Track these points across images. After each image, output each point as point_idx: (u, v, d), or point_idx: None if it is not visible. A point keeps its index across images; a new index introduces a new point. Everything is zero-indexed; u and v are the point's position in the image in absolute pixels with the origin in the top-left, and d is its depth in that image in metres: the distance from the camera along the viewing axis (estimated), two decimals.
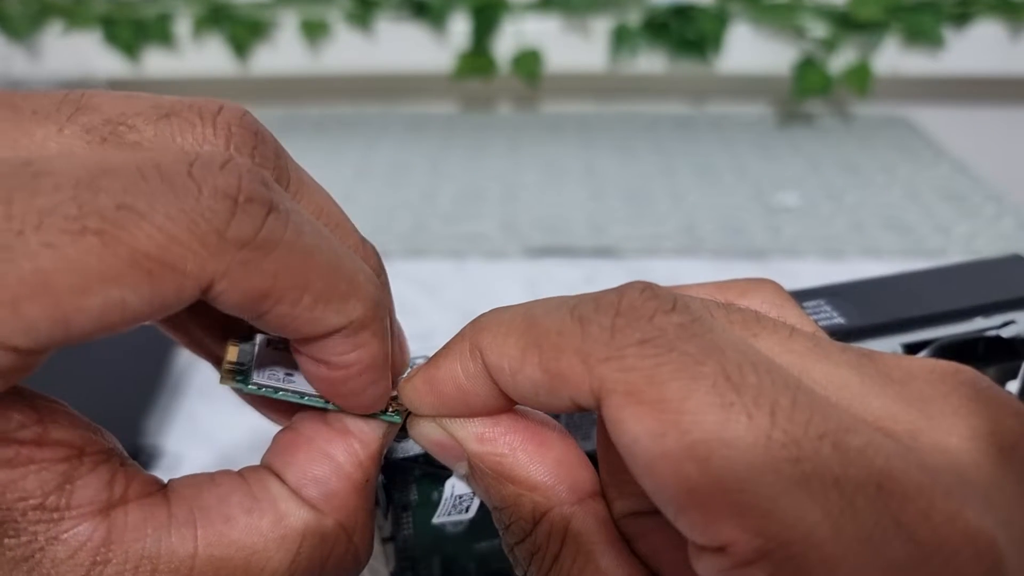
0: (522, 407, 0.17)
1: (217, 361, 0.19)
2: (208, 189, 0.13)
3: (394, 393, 0.17)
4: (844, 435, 0.12)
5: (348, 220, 0.18)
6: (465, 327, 0.16)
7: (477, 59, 0.76)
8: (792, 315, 0.17)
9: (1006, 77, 0.78)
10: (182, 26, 0.76)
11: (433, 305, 0.50)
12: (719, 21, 0.75)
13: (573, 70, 0.78)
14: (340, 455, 0.17)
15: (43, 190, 0.12)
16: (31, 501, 0.14)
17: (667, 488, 0.13)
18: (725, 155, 0.74)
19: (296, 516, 0.16)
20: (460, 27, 0.76)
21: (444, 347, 0.17)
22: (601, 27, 0.76)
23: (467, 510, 0.20)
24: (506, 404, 0.16)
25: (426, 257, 0.56)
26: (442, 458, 0.18)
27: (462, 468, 0.17)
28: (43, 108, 0.15)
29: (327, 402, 0.17)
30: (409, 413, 0.18)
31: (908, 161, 0.72)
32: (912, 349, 0.22)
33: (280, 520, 0.16)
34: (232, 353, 0.17)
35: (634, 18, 0.76)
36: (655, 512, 0.14)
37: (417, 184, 0.68)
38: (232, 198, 0.13)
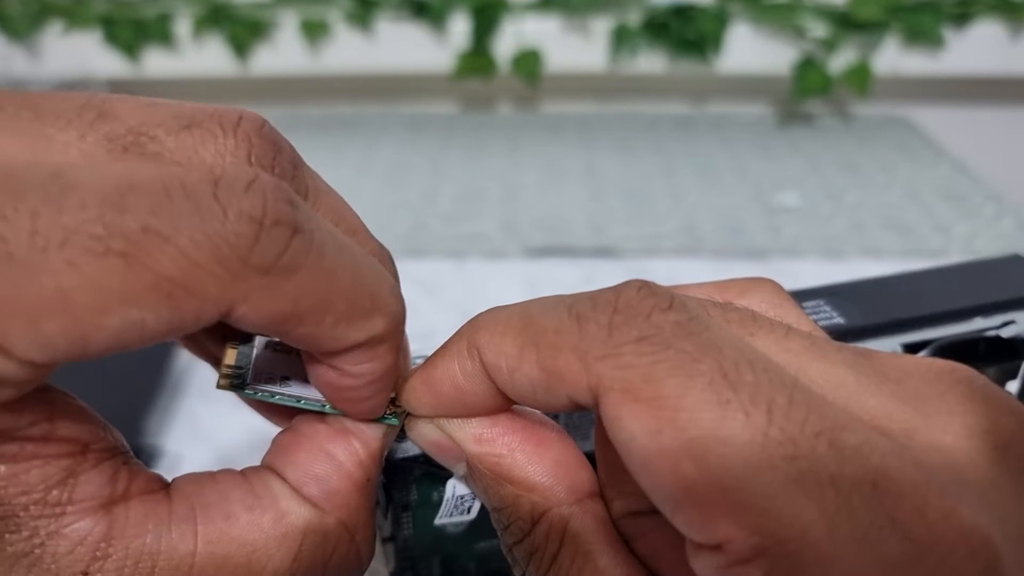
0: (520, 407, 0.17)
1: (216, 362, 0.19)
2: (233, 212, 0.13)
3: (392, 395, 0.17)
4: (840, 433, 0.12)
5: (364, 226, 0.18)
6: (462, 326, 0.16)
7: (477, 59, 0.76)
8: (791, 315, 0.17)
9: (1006, 77, 0.78)
10: (182, 26, 0.76)
11: (433, 305, 0.50)
12: (719, 21, 0.75)
13: (573, 70, 0.78)
14: (341, 454, 0.17)
15: (69, 207, 0.12)
16: (34, 495, 0.14)
17: (664, 486, 0.13)
18: (725, 155, 0.74)
19: (297, 514, 0.16)
20: (460, 27, 0.76)
21: (442, 347, 0.17)
22: (601, 27, 0.76)
23: (469, 511, 0.20)
24: (504, 404, 0.16)
25: (426, 257, 0.56)
26: (440, 459, 0.18)
27: (460, 469, 0.18)
28: (65, 112, 0.14)
29: (324, 405, 0.17)
30: (407, 414, 0.18)
31: (908, 161, 0.72)
32: (912, 349, 0.22)
33: (281, 518, 0.16)
34: (230, 356, 0.17)
35: (634, 18, 0.76)
36: (654, 512, 0.14)
37: (417, 184, 0.68)
38: (257, 221, 0.13)
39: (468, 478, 0.18)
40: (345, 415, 0.17)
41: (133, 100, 0.15)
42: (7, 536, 0.14)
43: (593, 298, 0.15)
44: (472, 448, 0.17)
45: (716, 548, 0.12)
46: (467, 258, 0.56)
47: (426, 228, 0.61)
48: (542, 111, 0.86)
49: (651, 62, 0.77)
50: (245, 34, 0.76)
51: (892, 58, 0.76)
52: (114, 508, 0.14)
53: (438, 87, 0.83)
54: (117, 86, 0.77)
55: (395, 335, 0.16)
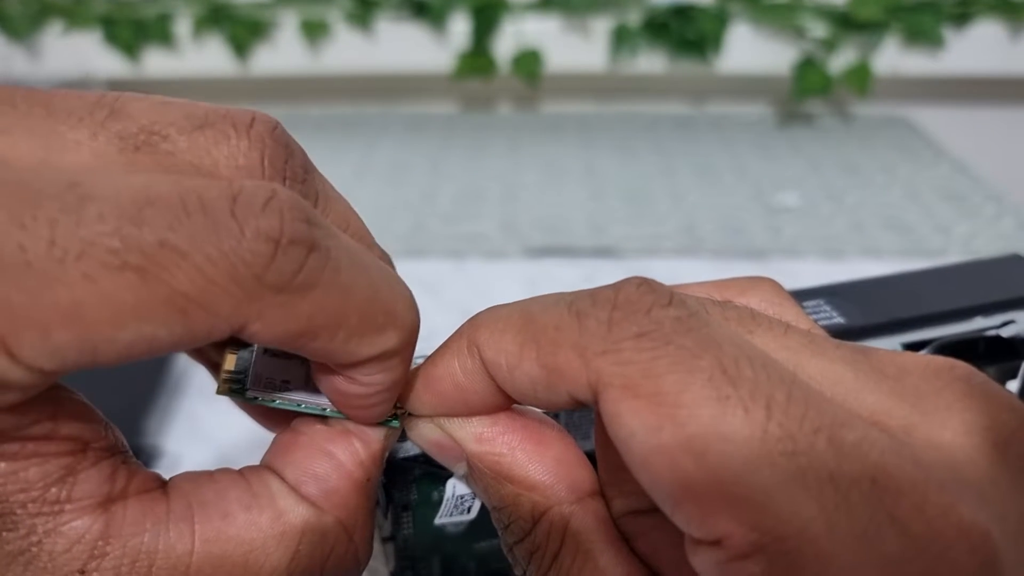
0: (520, 406, 0.17)
1: (214, 366, 0.19)
2: (251, 231, 0.13)
3: None
4: (839, 430, 0.12)
5: (369, 233, 0.18)
6: (462, 325, 0.16)
7: (477, 59, 0.76)
8: (790, 313, 0.17)
9: (1006, 77, 0.78)
10: (182, 26, 0.76)
11: (433, 305, 0.50)
12: (719, 21, 0.75)
13: (573, 70, 0.78)
14: (341, 453, 0.17)
15: (87, 218, 0.12)
16: (32, 493, 0.14)
17: (663, 482, 0.13)
18: (725, 155, 0.74)
19: (295, 513, 0.16)
20: (460, 27, 0.76)
21: (442, 346, 0.17)
22: (601, 27, 0.76)
23: (469, 511, 0.20)
24: (504, 402, 0.16)
25: (426, 257, 0.56)
26: (441, 459, 0.18)
27: (461, 468, 0.17)
28: (77, 110, 0.14)
29: (324, 409, 0.17)
30: (408, 414, 0.18)
31: (908, 161, 0.72)
32: (912, 349, 0.22)
33: (279, 517, 0.16)
34: (230, 361, 0.17)
35: (634, 18, 0.76)
36: (654, 510, 0.14)
37: (417, 184, 0.68)
38: (274, 241, 0.13)
39: (468, 477, 0.18)
40: (348, 419, 0.17)
41: (146, 99, 0.15)
42: (4, 534, 0.14)
43: (593, 295, 0.15)
44: (472, 447, 0.17)
45: (715, 544, 0.12)
46: (467, 258, 0.56)
47: (426, 228, 0.61)
48: (542, 111, 0.86)
49: (651, 62, 0.77)
50: (245, 34, 0.76)
51: (892, 58, 0.76)
52: (112, 506, 0.14)
53: (438, 87, 0.83)
54: (117, 86, 0.77)
55: (408, 347, 0.16)
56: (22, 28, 0.76)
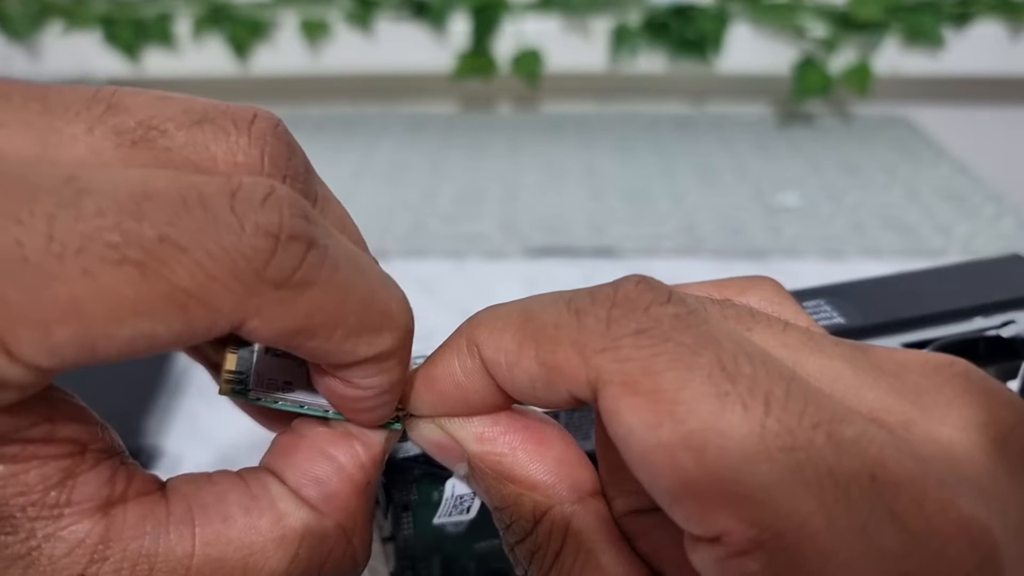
0: (521, 406, 0.17)
1: (213, 365, 0.19)
2: (250, 226, 0.13)
3: None
4: (838, 425, 0.12)
5: (362, 237, 0.18)
6: (462, 324, 0.16)
7: (477, 59, 0.76)
8: (789, 312, 0.17)
9: (1006, 77, 0.78)
10: (182, 26, 0.76)
11: (433, 305, 0.50)
12: (719, 21, 0.75)
13: (573, 70, 0.78)
14: (342, 456, 0.16)
15: (86, 214, 0.12)
16: (32, 496, 0.13)
17: (662, 479, 0.13)
18: (725, 155, 0.74)
19: (295, 516, 0.16)
20: (460, 27, 0.76)
21: (441, 345, 0.17)
22: (601, 27, 0.76)
23: (468, 511, 0.20)
24: (504, 401, 0.16)
25: (426, 257, 0.56)
26: (442, 459, 0.18)
27: (462, 469, 0.17)
28: (73, 105, 0.14)
29: (326, 411, 0.17)
30: (409, 414, 0.17)
31: (908, 161, 0.72)
32: (912, 348, 0.22)
33: (279, 520, 0.16)
34: (231, 361, 0.16)
35: (634, 18, 0.76)
36: (655, 509, 0.14)
37: (417, 184, 0.68)
38: (274, 236, 0.13)
39: (469, 477, 0.17)
40: (349, 421, 0.17)
41: (143, 93, 0.15)
42: (3, 538, 0.13)
43: (592, 292, 0.15)
44: (473, 447, 0.17)
45: (714, 540, 0.12)
46: (467, 258, 0.56)
47: (426, 228, 0.61)
48: (542, 111, 0.86)
49: (651, 62, 0.77)
50: (245, 34, 0.76)
51: (892, 58, 0.76)
52: (112, 510, 0.14)
53: (438, 87, 0.83)
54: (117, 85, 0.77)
55: (404, 349, 0.16)
56: (22, 28, 0.76)
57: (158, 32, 0.76)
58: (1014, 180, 0.73)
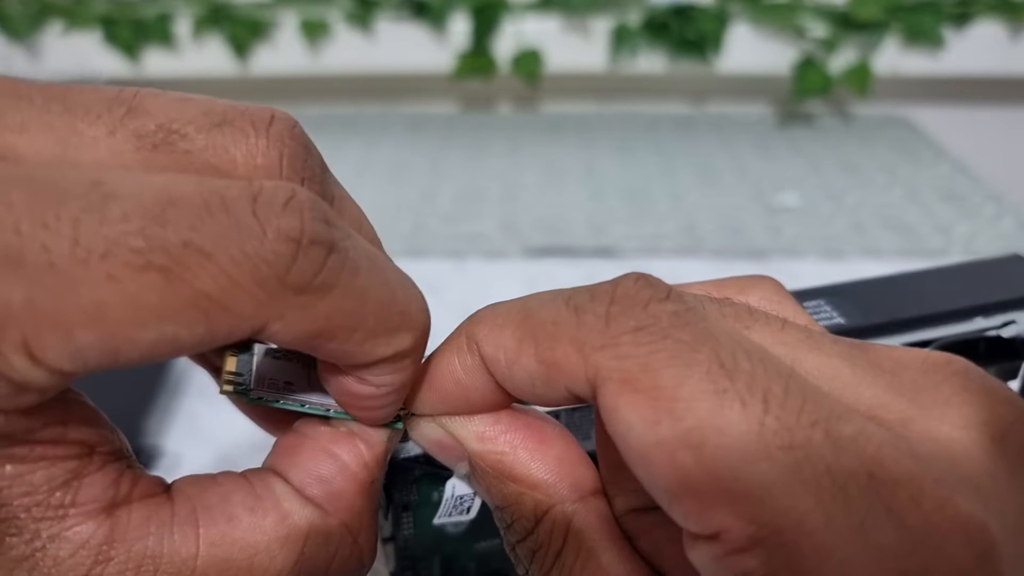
0: (521, 405, 0.17)
1: (213, 368, 0.19)
2: (272, 231, 0.13)
3: None
4: (836, 423, 0.12)
5: (378, 236, 0.18)
6: (462, 322, 0.17)
7: (477, 59, 0.76)
8: (789, 311, 0.17)
9: (1006, 77, 0.78)
10: (182, 26, 0.76)
11: (433, 305, 0.49)
12: (719, 21, 0.75)
13: (573, 70, 0.78)
14: (345, 455, 0.16)
15: (111, 218, 0.12)
16: (37, 497, 0.13)
17: (661, 476, 0.13)
18: (725, 155, 0.74)
19: (300, 515, 0.16)
20: (460, 27, 0.76)
21: (442, 343, 0.17)
22: (601, 27, 0.76)
23: (468, 511, 0.20)
24: (505, 399, 0.16)
25: (426, 257, 0.56)
26: (442, 458, 0.18)
27: (463, 468, 0.17)
28: (95, 107, 0.14)
29: (328, 411, 0.17)
30: (410, 414, 0.18)
31: (908, 161, 0.72)
32: None
33: (284, 519, 0.16)
34: (231, 363, 0.16)
35: (634, 18, 0.76)
36: (655, 508, 0.14)
37: (417, 184, 0.68)
38: (295, 241, 0.13)
39: (470, 477, 0.18)
40: (352, 419, 0.17)
41: (164, 96, 0.15)
42: (7, 539, 0.13)
43: (591, 290, 0.15)
44: (474, 446, 0.17)
45: (713, 538, 0.12)
46: (467, 258, 0.56)
47: (426, 228, 0.61)
48: (542, 111, 0.86)
49: (651, 62, 0.77)
50: (245, 34, 0.76)
51: (892, 58, 0.76)
52: (116, 511, 0.14)
53: (438, 87, 0.83)
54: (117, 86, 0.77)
55: (420, 348, 0.16)
56: (22, 28, 0.76)
57: (158, 32, 0.76)
58: (1014, 180, 0.73)
